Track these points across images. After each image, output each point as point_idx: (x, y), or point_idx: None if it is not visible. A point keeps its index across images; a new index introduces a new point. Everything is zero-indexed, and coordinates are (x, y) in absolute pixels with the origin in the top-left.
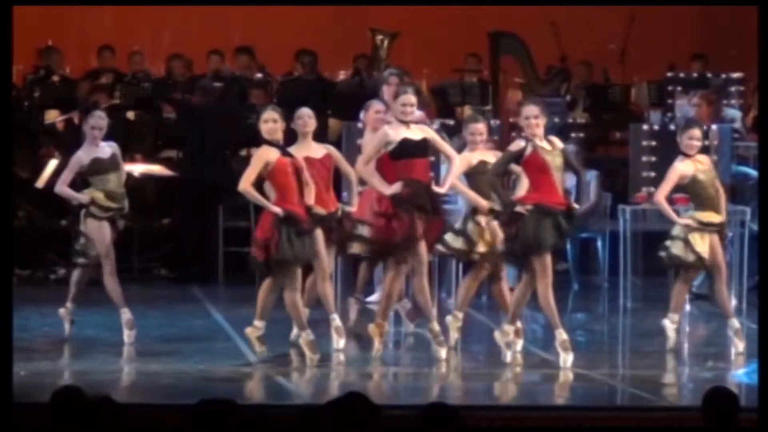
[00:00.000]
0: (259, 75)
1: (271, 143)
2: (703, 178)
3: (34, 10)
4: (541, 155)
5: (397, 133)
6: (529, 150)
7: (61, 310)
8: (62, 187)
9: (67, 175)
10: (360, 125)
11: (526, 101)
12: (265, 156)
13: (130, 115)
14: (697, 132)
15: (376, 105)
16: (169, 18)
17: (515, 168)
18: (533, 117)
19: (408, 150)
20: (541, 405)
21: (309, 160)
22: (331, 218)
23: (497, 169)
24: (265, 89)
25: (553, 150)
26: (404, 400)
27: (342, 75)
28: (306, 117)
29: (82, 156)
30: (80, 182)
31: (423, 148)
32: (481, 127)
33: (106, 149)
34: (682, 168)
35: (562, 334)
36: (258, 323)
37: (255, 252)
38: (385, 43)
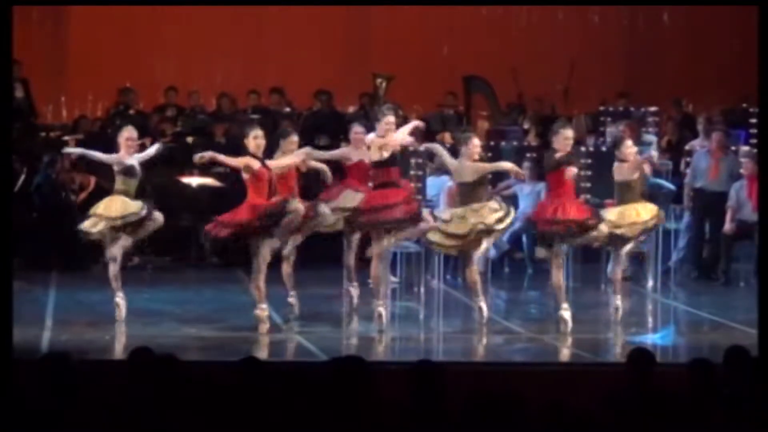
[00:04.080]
0: (288, 109)
1: (254, 155)
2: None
3: (114, 59)
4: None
5: (374, 156)
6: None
7: None
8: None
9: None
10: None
11: (564, 125)
12: (249, 161)
13: (189, 139)
14: (629, 142)
15: (356, 127)
16: (218, 64)
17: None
18: (572, 138)
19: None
20: (503, 361)
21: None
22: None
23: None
24: (292, 120)
25: None
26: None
27: (351, 109)
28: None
29: None
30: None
31: (389, 162)
32: (477, 141)
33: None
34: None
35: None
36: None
37: None
38: (384, 84)
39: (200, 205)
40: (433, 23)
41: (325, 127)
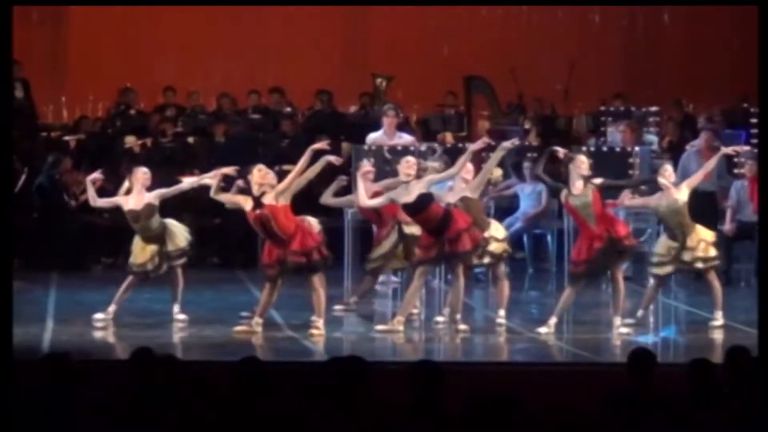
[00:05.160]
0: (288, 109)
1: (251, 194)
2: (665, 212)
3: (114, 59)
4: (570, 201)
5: (400, 198)
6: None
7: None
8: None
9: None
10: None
11: (576, 150)
12: (244, 201)
13: (190, 140)
14: (668, 167)
15: (366, 167)
16: (218, 64)
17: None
18: (585, 164)
19: (412, 212)
20: (504, 361)
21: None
22: None
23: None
24: (292, 120)
25: (579, 195)
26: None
27: (351, 109)
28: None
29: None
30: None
31: (422, 203)
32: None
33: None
34: (653, 200)
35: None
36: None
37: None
38: (384, 84)
39: (200, 205)
40: (433, 23)
41: (326, 127)
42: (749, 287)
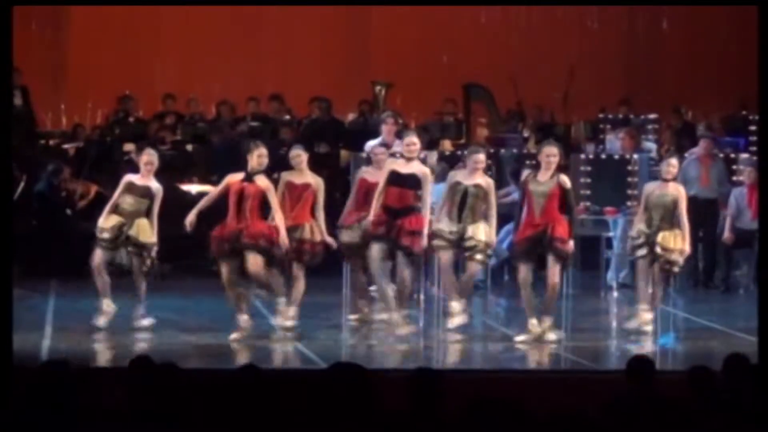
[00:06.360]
0: (287, 116)
1: (246, 171)
2: (654, 200)
3: (113, 66)
4: (528, 185)
5: (393, 165)
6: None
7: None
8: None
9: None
10: (364, 155)
11: (546, 142)
12: (228, 179)
13: (189, 147)
14: (674, 161)
15: (376, 147)
16: (218, 71)
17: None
18: (552, 156)
19: (393, 181)
20: (503, 369)
21: (290, 184)
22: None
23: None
24: (291, 127)
25: (542, 183)
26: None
27: (350, 116)
28: (295, 156)
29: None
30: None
31: (409, 181)
32: (481, 156)
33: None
34: (649, 186)
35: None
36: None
37: None
38: (383, 92)
39: (199, 212)
40: (432, 31)
41: (324, 134)
42: (748, 294)
